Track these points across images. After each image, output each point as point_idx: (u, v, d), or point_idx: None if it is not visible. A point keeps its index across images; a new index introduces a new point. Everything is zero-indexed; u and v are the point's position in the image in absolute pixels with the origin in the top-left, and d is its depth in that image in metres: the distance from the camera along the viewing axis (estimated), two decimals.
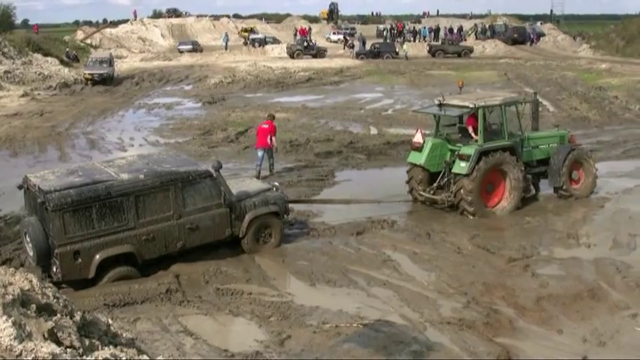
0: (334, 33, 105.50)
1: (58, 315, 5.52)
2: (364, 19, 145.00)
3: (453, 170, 19.95)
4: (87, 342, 5.35)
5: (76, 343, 5.20)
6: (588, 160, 21.98)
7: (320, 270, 15.34)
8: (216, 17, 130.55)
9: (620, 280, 14.73)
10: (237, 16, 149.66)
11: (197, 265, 15.47)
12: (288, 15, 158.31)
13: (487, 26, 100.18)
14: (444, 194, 20.33)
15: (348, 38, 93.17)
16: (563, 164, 21.19)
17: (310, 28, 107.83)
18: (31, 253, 14.82)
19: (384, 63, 69.01)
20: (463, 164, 19.56)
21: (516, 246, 16.92)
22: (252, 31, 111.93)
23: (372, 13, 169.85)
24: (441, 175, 20.62)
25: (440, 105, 20.57)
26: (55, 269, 14.30)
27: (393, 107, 41.08)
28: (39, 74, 55.18)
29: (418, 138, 20.73)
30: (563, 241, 17.69)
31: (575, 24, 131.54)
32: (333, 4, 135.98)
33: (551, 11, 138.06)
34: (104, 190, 14.50)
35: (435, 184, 20.67)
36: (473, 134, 20.32)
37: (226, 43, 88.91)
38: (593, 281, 14.62)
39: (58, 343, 5.09)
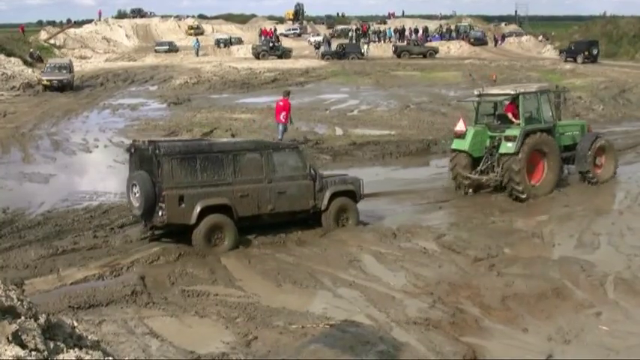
0: (313, 35, 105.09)
1: (22, 318, 5.46)
2: (330, 20, 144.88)
3: (500, 151, 21.47)
4: (51, 345, 5.30)
5: (41, 346, 5.15)
6: (611, 147, 23.75)
7: (286, 271, 15.29)
8: (181, 18, 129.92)
9: (585, 278, 14.83)
10: (202, 17, 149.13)
11: (163, 267, 15.43)
12: (253, 15, 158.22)
13: (452, 27, 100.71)
14: (491, 174, 21.84)
15: (275, 44, 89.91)
16: (589, 150, 22.67)
17: (276, 29, 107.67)
18: (136, 204, 16.36)
19: (349, 64, 69.06)
20: (510, 144, 21.14)
21: (482, 246, 16.95)
22: (197, 28, 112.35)
23: (337, 14, 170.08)
24: (483, 160, 22.11)
25: (479, 95, 22.82)
26: (160, 213, 15.99)
27: (359, 108, 41.19)
28: (2, 75, 54.44)
29: (461, 126, 22.46)
30: (528, 240, 17.82)
31: (539, 25, 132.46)
32: (298, 4, 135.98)
33: (516, 12, 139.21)
34: (207, 145, 16.97)
35: (478, 168, 22.12)
36: (513, 119, 21.84)
37: (197, 49, 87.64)
38: (557, 280, 14.70)
39: (23, 346, 5.04)
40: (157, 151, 15.83)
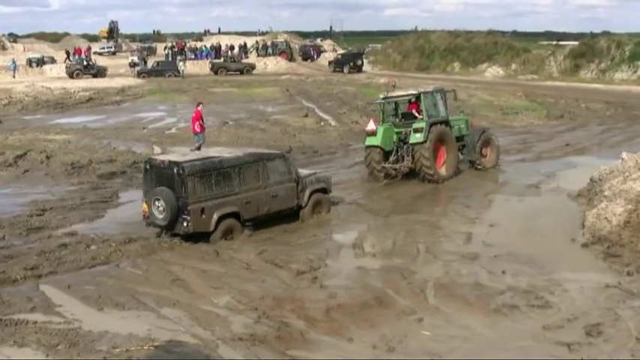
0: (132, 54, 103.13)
1: None
2: (146, 38, 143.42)
3: (410, 141, 25.03)
4: None
5: None
6: (494, 140, 27.84)
7: (108, 293, 14.93)
8: None
9: (406, 286, 15.22)
10: (12, 35, 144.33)
11: None
12: (66, 34, 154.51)
13: (269, 43, 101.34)
14: (403, 163, 25.41)
15: (89, 62, 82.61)
16: (478, 142, 26.83)
17: (90, 47, 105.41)
18: (160, 216, 18.54)
19: (166, 81, 68.23)
20: (418, 135, 24.69)
21: (304, 259, 17.10)
22: None
23: (153, 32, 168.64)
24: (393, 152, 25.68)
25: (385, 97, 26.33)
26: (185, 224, 18.33)
27: (177, 126, 40.86)
28: None
29: (372, 126, 25.82)
30: (349, 251, 18.11)
31: (354, 40, 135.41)
32: (113, 22, 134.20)
33: (331, 28, 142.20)
34: (219, 162, 19.10)
35: (390, 159, 25.63)
36: (417, 114, 25.63)
37: (14, 70, 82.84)
38: (379, 289, 15.02)
39: None
40: (181, 171, 18.16)
